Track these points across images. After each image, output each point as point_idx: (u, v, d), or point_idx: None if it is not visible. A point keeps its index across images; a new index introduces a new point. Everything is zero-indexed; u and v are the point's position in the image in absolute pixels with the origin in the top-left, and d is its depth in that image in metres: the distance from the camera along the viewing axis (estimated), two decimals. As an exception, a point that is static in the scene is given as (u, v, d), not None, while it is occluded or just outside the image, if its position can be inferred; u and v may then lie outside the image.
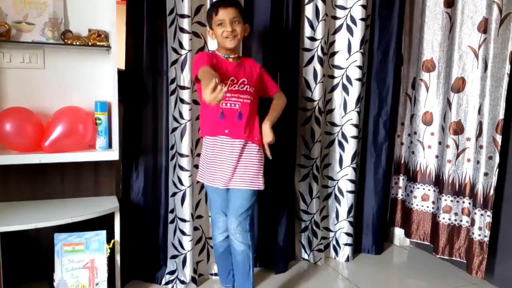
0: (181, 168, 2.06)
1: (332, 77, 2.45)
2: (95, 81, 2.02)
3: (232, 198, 1.84)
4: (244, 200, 1.82)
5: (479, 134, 2.14)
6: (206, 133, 1.86)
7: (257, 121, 1.87)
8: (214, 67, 1.70)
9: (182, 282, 2.12)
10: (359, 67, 2.40)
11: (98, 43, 1.93)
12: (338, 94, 2.46)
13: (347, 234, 2.55)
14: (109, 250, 1.94)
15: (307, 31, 2.29)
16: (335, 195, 2.56)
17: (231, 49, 1.82)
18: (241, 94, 1.82)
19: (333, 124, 2.49)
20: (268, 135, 1.83)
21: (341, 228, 2.56)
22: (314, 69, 2.32)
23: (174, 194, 2.12)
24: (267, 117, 1.88)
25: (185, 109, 2.03)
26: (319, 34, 2.29)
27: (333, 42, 2.43)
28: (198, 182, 2.02)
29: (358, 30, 2.37)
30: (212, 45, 2.11)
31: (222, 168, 1.81)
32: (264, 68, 1.98)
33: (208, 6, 2.07)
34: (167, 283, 2.15)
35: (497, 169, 2.08)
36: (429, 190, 2.51)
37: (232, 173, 1.80)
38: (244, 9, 1.94)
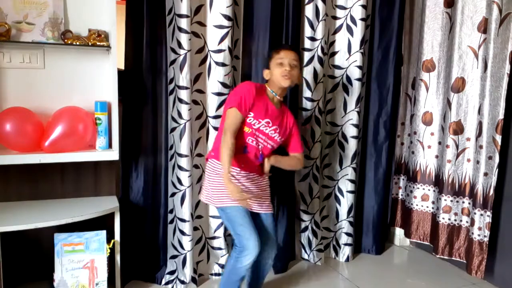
0: (180, 168, 2.06)
1: (332, 77, 2.45)
2: (95, 81, 2.02)
3: (265, 223, 1.91)
4: (273, 222, 1.95)
5: (479, 134, 2.14)
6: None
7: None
8: (255, 101, 1.79)
9: (182, 282, 2.12)
10: (359, 67, 2.40)
11: (98, 43, 1.93)
12: (338, 94, 2.46)
13: (347, 234, 2.55)
14: (109, 250, 1.94)
15: (307, 31, 2.29)
16: (335, 195, 2.56)
17: (282, 89, 1.86)
18: (269, 139, 1.86)
19: (333, 124, 2.49)
20: (265, 168, 1.88)
21: (341, 228, 2.56)
22: (314, 69, 2.32)
23: (173, 194, 2.12)
24: (276, 157, 1.92)
25: (184, 109, 2.02)
26: (319, 34, 2.29)
27: (333, 42, 2.43)
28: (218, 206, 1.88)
29: (358, 30, 2.37)
30: (211, 45, 2.11)
31: (247, 192, 1.82)
32: (296, 124, 1.99)
33: (209, 7, 2.07)
34: (167, 283, 2.15)
35: (497, 169, 2.08)
36: (429, 190, 2.51)
37: (259, 198, 1.88)
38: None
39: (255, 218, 1.86)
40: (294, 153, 1.99)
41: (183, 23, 1.98)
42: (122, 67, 2.05)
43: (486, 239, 2.13)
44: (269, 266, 1.98)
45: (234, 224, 1.80)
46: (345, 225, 2.55)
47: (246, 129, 1.82)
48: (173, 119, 2.07)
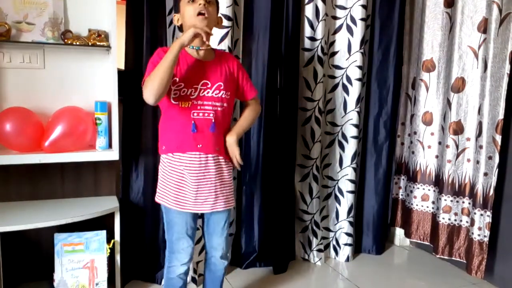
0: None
1: (332, 77, 2.45)
2: (95, 81, 2.02)
3: (213, 221, 1.66)
4: (226, 220, 1.66)
5: (479, 134, 2.14)
6: (172, 150, 1.54)
7: (227, 131, 1.64)
8: (178, 69, 1.48)
9: (182, 282, 2.12)
10: (359, 67, 2.40)
11: (98, 43, 1.93)
12: (338, 94, 2.46)
13: (347, 234, 2.55)
14: (109, 250, 1.94)
15: (307, 31, 2.29)
16: (335, 195, 2.56)
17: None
18: (215, 102, 1.53)
19: (333, 124, 2.49)
20: (234, 150, 1.60)
21: (341, 228, 2.56)
22: (314, 69, 2.32)
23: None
24: (235, 128, 1.64)
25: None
26: (319, 34, 2.29)
27: (333, 42, 2.43)
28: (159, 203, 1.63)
29: (358, 30, 2.37)
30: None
31: (197, 190, 1.54)
32: (242, 66, 1.70)
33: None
34: (167, 283, 2.15)
35: (497, 169, 2.08)
36: (429, 190, 2.51)
37: (210, 196, 1.56)
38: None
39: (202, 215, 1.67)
40: (247, 100, 1.70)
41: (183, 23, 1.98)
42: (122, 67, 2.05)
43: (486, 239, 2.13)
44: (219, 273, 1.74)
45: (172, 229, 1.61)
46: (345, 225, 2.55)
47: (185, 104, 1.50)
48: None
